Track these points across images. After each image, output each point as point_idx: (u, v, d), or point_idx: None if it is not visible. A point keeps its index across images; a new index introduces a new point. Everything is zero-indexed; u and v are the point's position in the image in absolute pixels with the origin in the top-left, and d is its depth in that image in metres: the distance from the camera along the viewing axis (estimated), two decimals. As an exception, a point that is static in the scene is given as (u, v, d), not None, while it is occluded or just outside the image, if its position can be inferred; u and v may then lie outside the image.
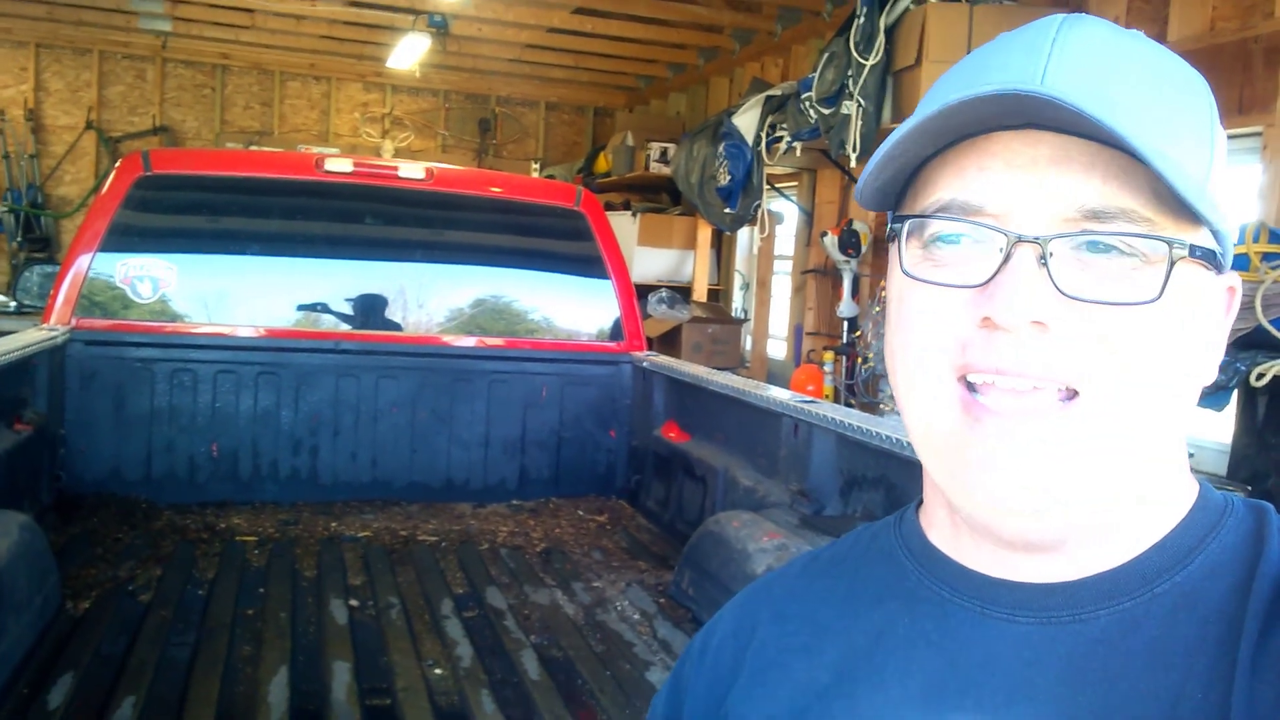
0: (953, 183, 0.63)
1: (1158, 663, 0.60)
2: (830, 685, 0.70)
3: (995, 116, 0.61)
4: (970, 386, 0.62)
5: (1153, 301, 0.59)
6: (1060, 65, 0.60)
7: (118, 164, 3.89)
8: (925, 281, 0.64)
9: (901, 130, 0.63)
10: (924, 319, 0.64)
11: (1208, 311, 0.64)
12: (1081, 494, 0.61)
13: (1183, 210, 0.60)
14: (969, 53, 0.69)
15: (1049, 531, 0.63)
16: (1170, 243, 0.60)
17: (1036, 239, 0.60)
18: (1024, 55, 0.61)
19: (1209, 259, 0.62)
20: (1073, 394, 0.60)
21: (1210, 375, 0.66)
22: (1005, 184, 0.61)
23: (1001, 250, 0.61)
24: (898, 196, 0.70)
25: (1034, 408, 0.60)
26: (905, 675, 0.67)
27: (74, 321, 3.61)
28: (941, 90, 0.66)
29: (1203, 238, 0.62)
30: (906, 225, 0.66)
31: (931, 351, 0.64)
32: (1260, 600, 0.60)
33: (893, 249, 0.69)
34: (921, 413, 0.65)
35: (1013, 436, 0.60)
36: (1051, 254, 0.59)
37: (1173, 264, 0.60)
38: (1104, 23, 0.63)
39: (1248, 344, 3.10)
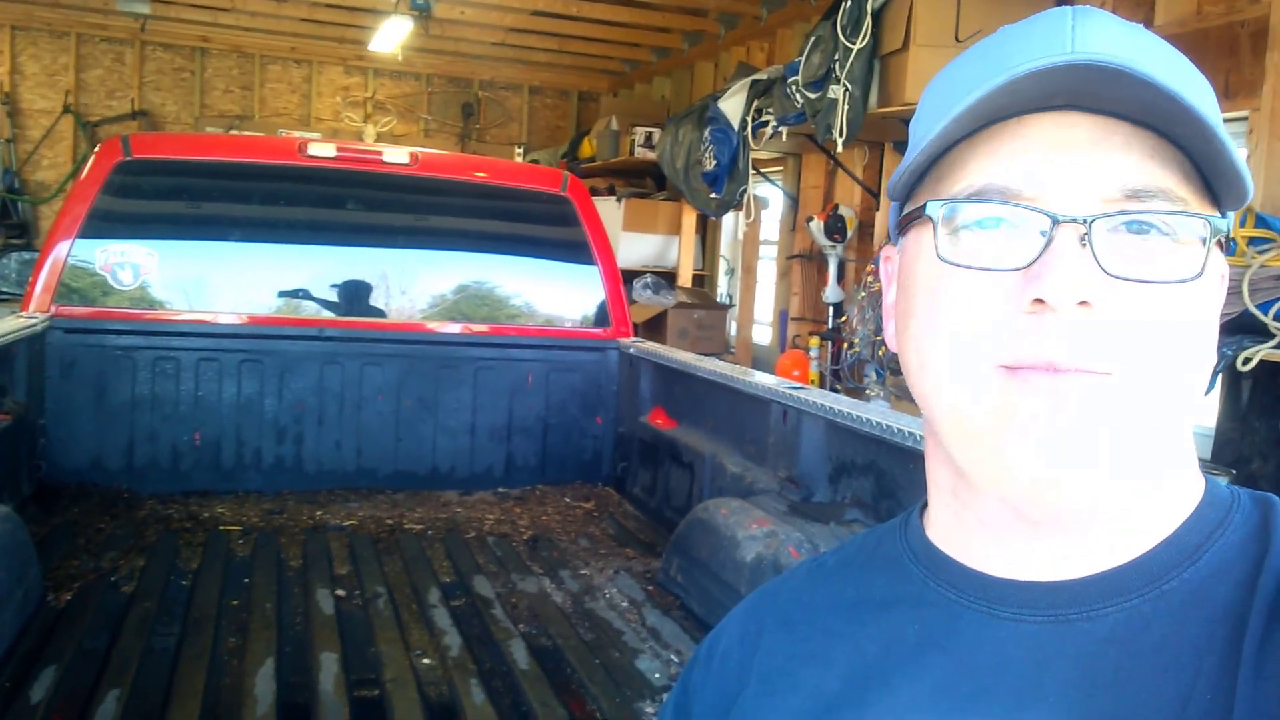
0: (986, 166, 0.62)
1: (1167, 663, 0.59)
2: (840, 693, 0.69)
3: (1028, 99, 0.60)
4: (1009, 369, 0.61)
5: (1195, 279, 0.60)
6: (1088, 45, 0.59)
7: (97, 149, 3.84)
8: (964, 266, 0.62)
9: (946, 118, 0.61)
10: (962, 305, 0.62)
11: (1221, 292, 0.65)
12: (1118, 469, 0.60)
13: (1206, 189, 0.61)
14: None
15: (1081, 502, 0.62)
16: (1209, 220, 0.60)
17: (1078, 219, 0.59)
18: (1046, 37, 0.60)
19: (1226, 239, 0.63)
20: (1111, 375, 0.59)
21: (1213, 360, 0.65)
22: (1042, 166, 0.61)
23: (1044, 233, 0.60)
24: (911, 185, 0.69)
25: (1076, 384, 0.59)
26: (915, 681, 0.66)
27: (53, 309, 3.57)
28: (962, 76, 0.64)
29: (1219, 219, 0.62)
30: (941, 210, 0.64)
31: (972, 338, 0.62)
32: (1265, 597, 0.59)
33: (914, 236, 0.67)
34: (957, 399, 0.63)
35: (1056, 411, 0.59)
36: (1093, 234, 0.59)
37: (1210, 242, 0.60)
38: (1112, 15, 0.63)
39: (1234, 328, 3.11)
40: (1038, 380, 0.60)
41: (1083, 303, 0.58)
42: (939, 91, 0.67)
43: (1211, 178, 0.62)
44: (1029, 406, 0.60)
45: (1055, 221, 0.59)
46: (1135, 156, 0.60)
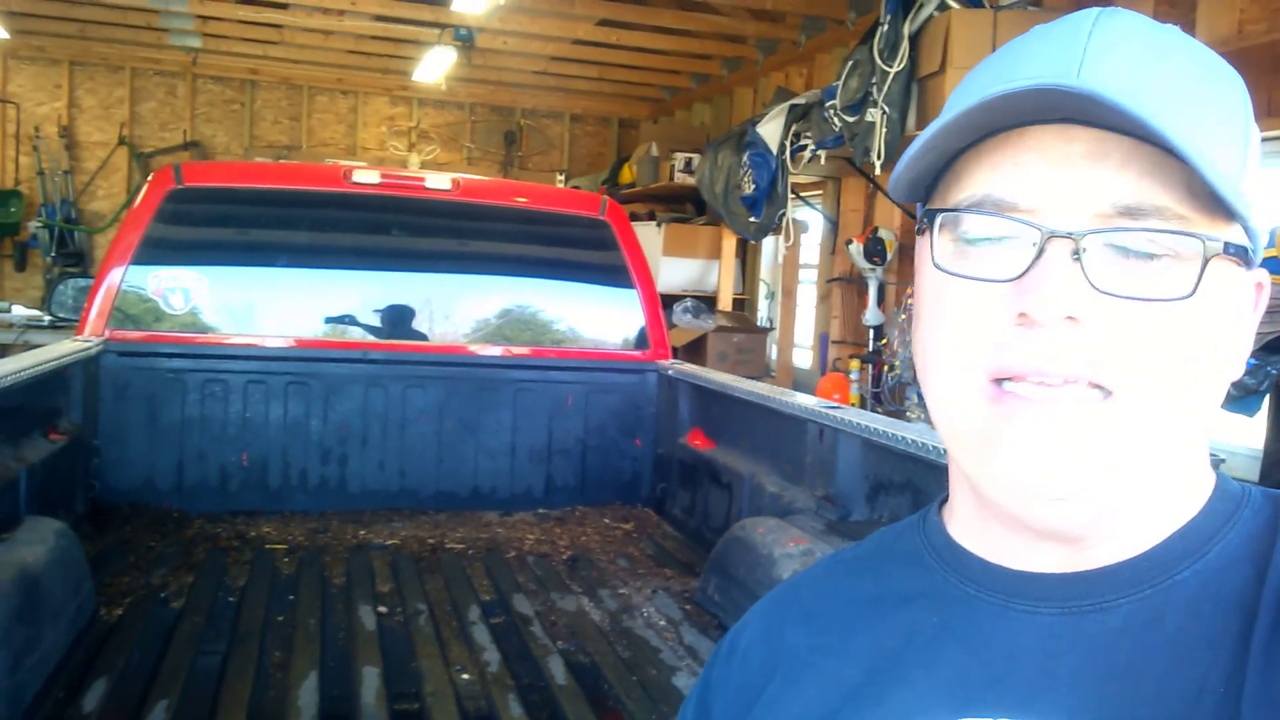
0: (986, 177, 0.63)
1: (1180, 655, 0.60)
2: (860, 685, 0.71)
3: (1031, 111, 0.61)
4: (999, 381, 0.62)
5: (1185, 298, 0.59)
6: (1097, 59, 0.59)
7: (150, 178, 3.94)
8: (957, 275, 0.64)
9: (937, 124, 0.63)
10: (956, 313, 0.64)
11: (1237, 308, 0.64)
12: (1109, 484, 0.61)
13: (1216, 206, 0.60)
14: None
15: (1076, 518, 0.63)
16: (1204, 240, 0.60)
17: (1070, 234, 0.60)
18: (1060, 48, 0.61)
19: (1241, 255, 0.62)
20: (1104, 391, 0.60)
21: (1238, 371, 0.66)
22: (1039, 179, 0.61)
23: (1035, 245, 0.61)
24: (928, 188, 0.70)
25: (1065, 397, 0.60)
26: (932, 672, 0.68)
27: (107, 333, 3.66)
28: (977, 82, 0.66)
29: (1235, 234, 0.62)
30: (939, 219, 0.65)
31: (963, 345, 0.63)
32: (1274, 589, 0.60)
33: (922, 242, 0.69)
34: (950, 405, 0.65)
35: (1043, 424, 0.60)
36: (1085, 249, 0.59)
37: (1206, 261, 0.60)
38: (1140, 16, 0.63)
39: (1278, 348, 3.07)
40: (1025, 393, 0.61)
41: (1070, 318, 0.59)
42: (955, 95, 0.68)
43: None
44: (1015, 422, 0.61)
45: (1047, 235, 0.60)
46: (1131, 174, 0.59)
